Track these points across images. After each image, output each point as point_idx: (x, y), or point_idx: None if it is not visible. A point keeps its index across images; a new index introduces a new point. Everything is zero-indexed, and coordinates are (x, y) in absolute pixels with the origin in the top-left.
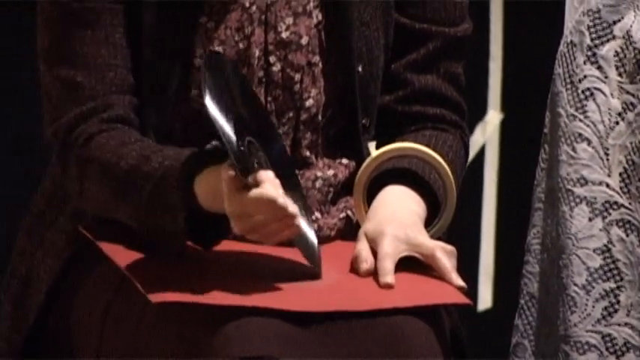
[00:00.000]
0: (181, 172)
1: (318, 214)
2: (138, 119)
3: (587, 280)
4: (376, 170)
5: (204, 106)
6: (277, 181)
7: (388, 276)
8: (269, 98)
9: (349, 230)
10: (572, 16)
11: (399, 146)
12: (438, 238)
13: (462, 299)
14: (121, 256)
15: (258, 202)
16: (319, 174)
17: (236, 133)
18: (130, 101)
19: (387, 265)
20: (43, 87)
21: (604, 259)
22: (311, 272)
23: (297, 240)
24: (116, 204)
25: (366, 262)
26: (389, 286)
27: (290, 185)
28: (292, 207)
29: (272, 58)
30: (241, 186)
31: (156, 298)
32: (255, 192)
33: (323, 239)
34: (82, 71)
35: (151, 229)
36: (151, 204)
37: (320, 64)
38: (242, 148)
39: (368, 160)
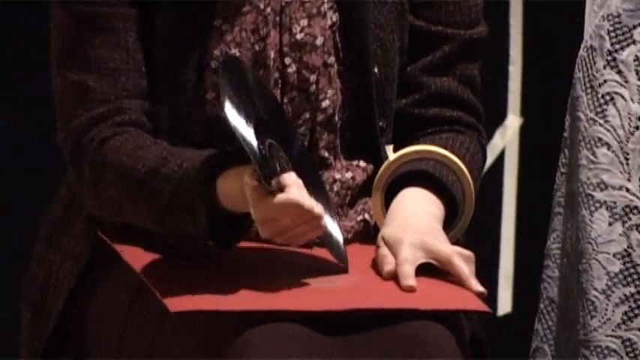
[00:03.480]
0: (202, 173)
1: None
2: (151, 123)
3: (607, 284)
4: (394, 173)
5: (223, 113)
6: (300, 182)
7: (409, 279)
8: (285, 100)
9: (367, 233)
10: (592, 20)
11: (416, 149)
12: (456, 242)
13: (482, 306)
14: (140, 262)
15: (284, 206)
16: (337, 176)
17: (257, 137)
18: (142, 105)
19: (407, 269)
20: (55, 92)
21: (624, 263)
22: (331, 270)
23: (324, 239)
24: (133, 207)
25: (391, 264)
26: (411, 289)
27: (312, 183)
28: (317, 208)
29: (287, 60)
30: (266, 192)
31: (174, 307)
32: (280, 197)
33: None
34: (93, 75)
35: (172, 231)
36: (171, 206)
37: (335, 65)
38: (264, 153)
39: (386, 163)
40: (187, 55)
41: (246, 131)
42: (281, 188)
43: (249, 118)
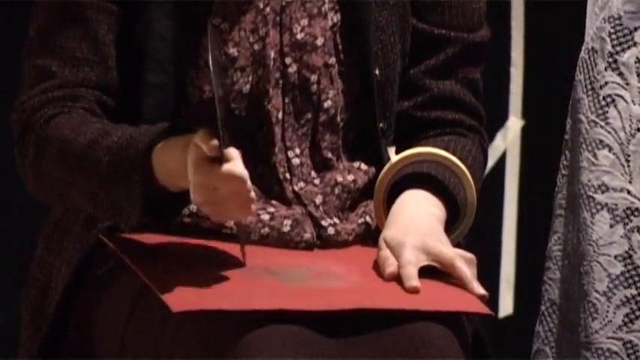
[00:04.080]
0: (139, 142)
1: (336, 220)
2: (104, 116)
3: (608, 286)
4: (396, 175)
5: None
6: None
7: (413, 280)
8: (286, 99)
9: (368, 235)
10: (593, 22)
11: (418, 151)
12: (458, 244)
13: (483, 309)
14: (142, 263)
15: (229, 176)
16: (339, 179)
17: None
18: (99, 97)
19: (411, 270)
20: (23, 76)
21: (625, 265)
22: (332, 271)
23: (239, 228)
24: (72, 179)
25: (392, 266)
26: (415, 290)
27: None
28: (253, 192)
29: (288, 60)
30: (211, 157)
31: (177, 306)
32: (228, 166)
33: (341, 244)
34: (57, 61)
35: (108, 207)
36: (106, 178)
37: (336, 66)
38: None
39: (388, 166)
40: (185, 52)
41: (220, 94)
42: (227, 159)
43: (223, 88)
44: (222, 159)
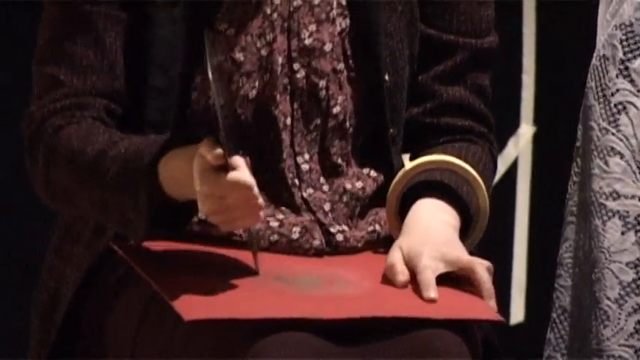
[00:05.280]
0: (146, 153)
1: (345, 227)
2: (113, 124)
3: (619, 293)
4: (408, 183)
5: (209, 80)
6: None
7: (431, 289)
8: (295, 105)
9: (377, 243)
10: (605, 29)
11: (432, 159)
12: (470, 252)
13: (495, 316)
14: (153, 271)
15: (236, 185)
16: (348, 186)
17: (225, 115)
18: (108, 105)
19: (428, 276)
20: (33, 84)
21: (637, 272)
22: (343, 279)
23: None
24: (81, 192)
25: (402, 273)
26: (432, 301)
27: None
28: (261, 198)
29: (296, 65)
30: (217, 166)
31: (188, 315)
32: (234, 174)
33: (350, 251)
34: (65, 70)
35: (115, 217)
36: (114, 189)
37: (345, 72)
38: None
39: (400, 174)
40: (190, 57)
41: (221, 103)
42: (233, 167)
43: (224, 96)
44: (227, 167)
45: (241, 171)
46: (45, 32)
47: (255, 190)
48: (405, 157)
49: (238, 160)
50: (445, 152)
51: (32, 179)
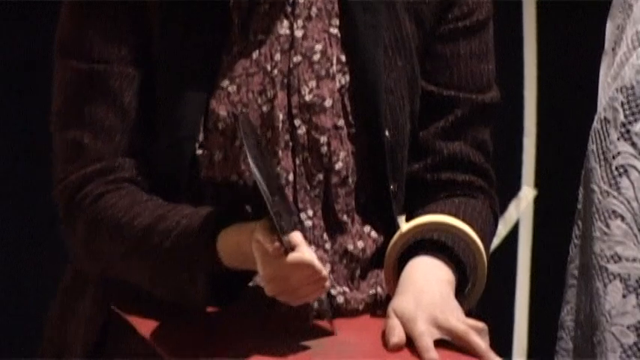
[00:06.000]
0: (202, 230)
1: (346, 288)
2: (146, 181)
3: (621, 357)
4: (405, 245)
5: (250, 167)
6: (305, 242)
7: (431, 352)
8: (297, 161)
9: (378, 305)
10: (606, 92)
11: (427, 220)
12: (469, 313)
13: None
14: (153, 332)
15: (298, 266)
16: (350, 247)
17: (271, 192)
18: (137, 164)
19: (426, 341)
20: (53, 149)
21: (638, 335)
22: (339, 339)
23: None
24: (128, 265)
25: (398, 337)
26: None
27: None
28: (324, 270)
29: (297, 121)
30: (277, 250)
31: None
32: (294, 256)
33: (351, 313)
34: (88, 133)
35: (168, 290)
36: (167, 264)
37: (345, 128)
38: (277, 210)
39: (397, 235)
40: (192, 114)
41: (264, 183)
42: (292, 247)
43: (262, 171)
44: (287, 249)
45: (300, 249)
46: (61, 95)
47: (317, 265)
48: (401, 218)
49: (295, 238)
50: (444, 209)
51: (70, 247)
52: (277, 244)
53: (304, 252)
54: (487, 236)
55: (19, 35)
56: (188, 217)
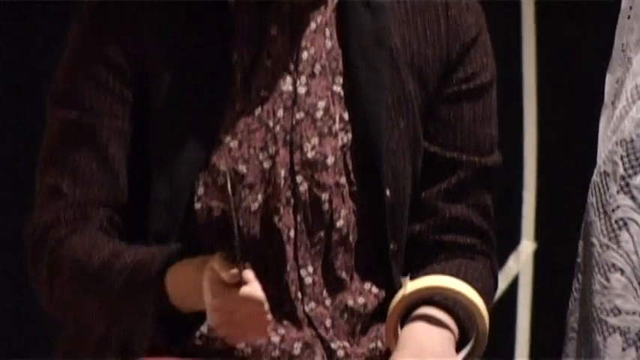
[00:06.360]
0: (153, 265)
1: (346, 343)
2: (116, 234)
3: None
4: (407, 306)
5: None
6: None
7: None
8: (298, 218)
9: (378, 359)
10: (606, 145)
11: (429, 285)
12: None
13: None
14: None
15: (247, 300)
16: (350, 302)
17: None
18: (109, 216)
19: None
20: (35, 192)
21: None
22: None
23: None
24: (86, 300)
25: None
26: None
27: None
28: (270, 314)
29: (299, 178)
30: (226, 282)
31: None
32: (247, 289)
33: None
34: (67, 181)
35: (119, 322)
36: (120, 300)
37: (347, 186)
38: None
39: (399, 298)
40: (191, 168)
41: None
42: (245, 281)
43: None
44: (240, 282)
45: (252, 286)
46: (47, 141)
47: (266, 305)
48: (405, 279)
49: (249, 274)
50: (444, 271)
51: (35, 287)
52: (235, 271)
53: (257, 288)
54: (487, 298)
55: (19, 35)
56: (143, 253)
